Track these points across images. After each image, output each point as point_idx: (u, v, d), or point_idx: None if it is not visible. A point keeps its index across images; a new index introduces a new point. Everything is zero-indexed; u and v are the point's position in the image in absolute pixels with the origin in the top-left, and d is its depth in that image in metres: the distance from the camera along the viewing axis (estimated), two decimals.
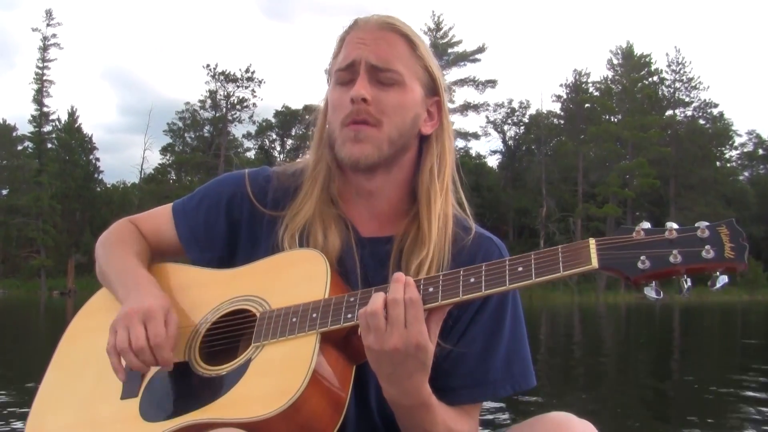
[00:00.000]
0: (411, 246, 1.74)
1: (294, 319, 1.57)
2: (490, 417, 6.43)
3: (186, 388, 1.62)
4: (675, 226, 1.39)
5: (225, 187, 1.90)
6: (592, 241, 1.42)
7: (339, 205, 1.81)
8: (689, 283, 1.37)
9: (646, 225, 1.41)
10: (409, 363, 1.47)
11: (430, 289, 1.49)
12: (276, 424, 1.45)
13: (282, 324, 1.58)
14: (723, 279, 1.34)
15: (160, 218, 1.97)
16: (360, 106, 1.68)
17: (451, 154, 1.83)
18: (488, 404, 6.75)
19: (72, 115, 70.51)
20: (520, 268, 1.45)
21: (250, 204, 1.85)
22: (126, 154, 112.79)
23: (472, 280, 1.47)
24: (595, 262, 1.38)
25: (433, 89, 1.79)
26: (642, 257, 1.37)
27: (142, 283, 1.76)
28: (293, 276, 1.67)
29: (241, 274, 1.77)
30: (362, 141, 1.69)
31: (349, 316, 1.54)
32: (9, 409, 6.72)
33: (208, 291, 1.77)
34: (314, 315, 1.56)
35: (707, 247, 1.34)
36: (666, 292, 1.40)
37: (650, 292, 1.38)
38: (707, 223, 1.38)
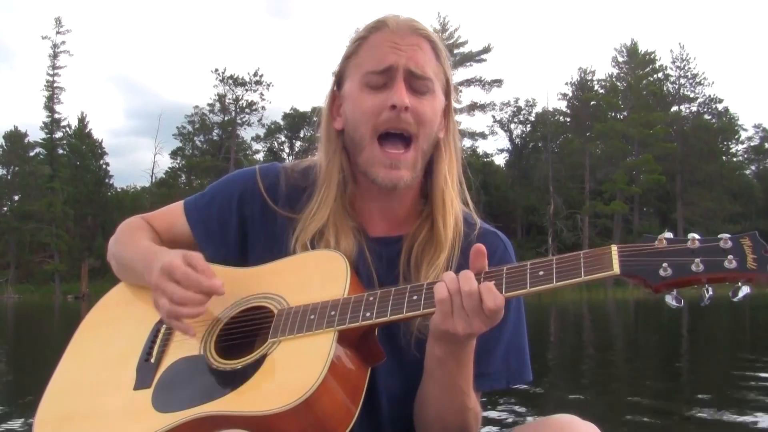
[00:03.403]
0: (423, 246, 1.76)
1: (312, 316, 1.56)
2: (495, 417, 6.44)
3: (199, 381, 1.61)
4: (698, 236, 1.38)
5: (236, 184, 1.90)
6: (614, 248, 1.41)
7: (352, 208, 1.81)
8: (710, 292, 1.36)
9: (669, 235, 1.41)
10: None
11: None
12: (287, 419, 1.43)
13: (300, 320, 1.57)
14: (745, 290, 1.34)
15: (173, 215, 1.97)
16: (402, 114, 1.66)
17: (459, 154, 1.84)
18: (491, 404, 6.92)
19: (82, 120, 71.06)
20: (541, 272, 1.45)
21: (261, 200, 1.85)
22: (132, 158, 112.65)
23: (493, 282, 1.46)
24: (616, 268, 1.37)
25: (447, 94, 1.80)
26: (664, 264, 1.36)
27: (160, 254, 1.75)
28: (313, 275, 1.67)
29: (261, 273, 1.76)
30: (401, 168, 1.69)
31: (368, 314, 1.53)
32: (19, 416, 6.71)
33: (228, 288, 1.73)
34: (333, 312, 1.55)
35: (730, 257, 1.33)
36: (686, 300, 1.39)
37: (671, 300, 1.38)
38: (730, 235, 1.36)
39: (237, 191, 1.88)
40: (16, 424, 6.23)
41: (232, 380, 1.55)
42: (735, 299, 1.35)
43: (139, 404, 1.63)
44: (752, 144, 73.74)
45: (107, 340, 1.84)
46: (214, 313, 1.73)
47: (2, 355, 13.15)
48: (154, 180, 71.40)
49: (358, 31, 1.78)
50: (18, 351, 14.42)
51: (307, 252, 1.74)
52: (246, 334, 1.67)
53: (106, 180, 73.07)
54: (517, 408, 7.06)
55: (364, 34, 1.76)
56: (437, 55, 1.75)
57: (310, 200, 1.80)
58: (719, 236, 1.37)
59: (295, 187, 1.85)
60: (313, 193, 1.81)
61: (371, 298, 1.55)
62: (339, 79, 1.80)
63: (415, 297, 1.52)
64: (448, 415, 1.64)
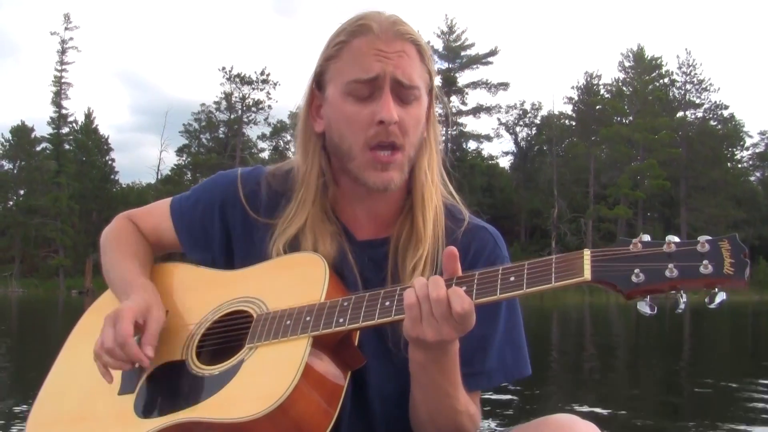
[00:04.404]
0: (406, 245, 1.72)
1: (288, 322, 1.55)
2: (493, 418, 6.41)
3: (179, 387, 1.61)
4: (675, 239, 1.33)
5: (218, 190, 1.87)
6: (586, 252, 1.37)
7: (334, 212, 1.78)
8: (685, 299, 1.31)
9: (646, 237, 1.35)
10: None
11: None
12: (263, 425, 1.43)
13: (276, 326, 1.57)
14: (721, 296, 1.28)
15: (159, 216, 1.95)
16: (390, 128, 1.62)
17: (438, 145, 1.79)
18: (492, 404, 6.94)
19: (89, 116, 71.44)
20: (512, 278, 1.41)
21: (242, 208, 1.82)
22: (136, 154, 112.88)
23: (465, 288, 1.43)
24: (587, 274, 1.33)
25: (429, 90, 1.74)
26: (636, 270, 1.31)
27: (131, 291, 1.75)
28: (292, 278, 1.66)
29: (243, 276, 1.75)
30: (390, 170, 1.65)
31: (341, 320, 1.52)
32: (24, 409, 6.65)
33: (210, 292, 1.76)
34: (308, 318, 1.54)
35: (705, 262, 1.27)
36: (660, 307, 1.36)
37: (644, 307, 1.34)
38: (708, 238, 1.30)
39: (219, 198, 1.86)
40: (17, 421, 6.26)
41: (210, 386, 1.56)
42: (711, 306, 1.29)
43: (121, 409, 1.65)
44: (757, 151, 73.43)
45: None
46: (198, 318, 1.73)
47: (5, 350, 13.07)
48: (159, 177, 71.55)
49: (339, 30, 1.70)
50: (21, 345, 14.31)
51: (289, 254, 1.72)
52: (227, 338, 1.67)
53: (112, 176, 73.51)
54: (517, 407, 7.06)
55: (345, 38, 1.67)
56: (422, 57, 1.69)
57: (288, 205, 1.77)
58: (698, 239, 1.32)
59: (275, 192, 1.82)
60: (291, 197, 1.78)
61: (345, 304, 1.54)
62: (318, 80, 1.74)
63: (387, 303, 1.51)
64: (440, 418, 1.62)
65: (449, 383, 1.57)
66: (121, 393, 1.69)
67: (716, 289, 1.28)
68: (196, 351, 1.68)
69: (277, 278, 1.70)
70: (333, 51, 1.68)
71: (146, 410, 1.61)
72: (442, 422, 1.62)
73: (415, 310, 1.43)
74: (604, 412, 7.22)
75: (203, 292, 1.78)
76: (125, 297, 1.75)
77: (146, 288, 1.77)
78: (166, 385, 1.64)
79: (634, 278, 1.31)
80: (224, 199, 1.85)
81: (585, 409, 7.21)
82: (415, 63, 1.66)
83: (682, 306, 1.32)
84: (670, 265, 1.29)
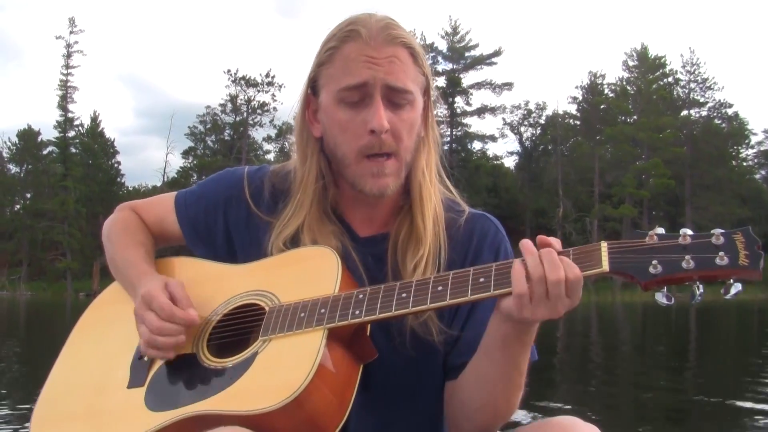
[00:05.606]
0: (405, 242, 1.73)
1: (302, 314, 1.55)
2: None
3: (190, 380, 1.61)
4: (689, 232, 1.35)
5: (223, 187, 1.89)
6: (603, 244, 1.40)
7: (335, 212, 1.79)
8: (701, 290, 1.34)
9: (660, 230, 1.38)
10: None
11: (439, 288, 1.49)
12: (278, 418, 1.42)
13: (290, 318, 1.56)
14: (737, 286, 1.31)
15: (163, 209, 1.96)
16: (383, 138, 1.63)
17: (436, 144, 1.79)
18: None
19: (95, 120, 71.68)
20: None
21: (247, 206, 1.84)
22: (141, 156, 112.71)
23: (482, 280, 1.46)
24: (605, 265, 1.36)
25: (425, 91, 1.74)
26: (654, 261, 1.34)
27: (143, 278, 1.76)
28: (304, 271, 1.66)
29: (252, 269, 1.75)
30: (386, 175, 1.67)
31: (357, 312, 1.51)
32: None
33: (220, 285, 1.76)
34: (322, 310, 1.53)
35: (721, 253, 1.31)
36: (677, 298, 1.38)
37: (661, 297, 1.36)
38: (722, 230, 1.34)
39: (223, 195, 1.88)
40: (23, 421, 6.31)
41: (223, 379, 1.55)
42: (727, 296, 1.33)
43: (132, 403, 1.64)
44: (762, 149, 72.95)
45: (102, 339, 1.86)
46: (208, 311, 1.72)
47: (13, 353, 13.19)
48: (165, 179, 71.67)
49: (331, 36, 1.70)
50: (29, 348, 14.35)
51: (299, 248, 1.73)
52: (238, 331, 1.66)
53: (118, 179, 73.76)
54: (518, 408, 6.99)
55: (336, 44, 1.67)
56: (414, 59, 1.68)
57: (286, 206, 1.79)
58: (711, 232, 1.35)
59: (277, 191, 1.84)
60: (289, 199, 1.80)
61: (361, 296, 1.54)
62: (313, 85, 1.75)
63: (404, 294, 1.51)
64: (502, 398, 1.63)
65: (524, 359, 1.58)
66: (130, 386, 1.68)
67: (731, 281, 1.32)
68: (207, 344, 1.68)
69: (288, 271, 1.69)
70: (324, 57, 1.69)
71: (157, 403, 1.60)
72: (503, 400, 1.63)
73: (526, 296, 1.42)
74: (607, 412, 7.24)
75: (213, 286, 1.77)
76: (131, 285, 1.80)
77: (153, 273, 1.80)
78: (177, 378, 1.63)
79: (651, 269, 1.35)
80: (229, 196, 1.87)
81: (587, 409, 7.22)
82: (407, 67, 1.66)
83: (698, 297, 1.36)
84: (687, 257, 1.33)
